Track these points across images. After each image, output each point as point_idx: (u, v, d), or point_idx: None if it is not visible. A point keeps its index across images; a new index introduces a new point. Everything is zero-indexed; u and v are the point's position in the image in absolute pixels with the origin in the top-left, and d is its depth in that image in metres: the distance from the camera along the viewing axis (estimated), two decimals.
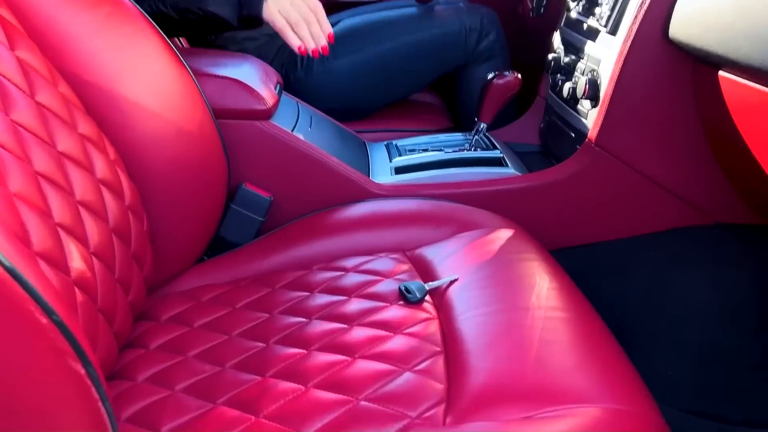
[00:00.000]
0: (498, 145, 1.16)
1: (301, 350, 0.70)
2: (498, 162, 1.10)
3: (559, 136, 1.19)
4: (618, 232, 1.05)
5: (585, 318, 0.70)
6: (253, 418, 0.60)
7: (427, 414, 0.59)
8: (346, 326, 0.73)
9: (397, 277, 0.82)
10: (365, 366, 0.65)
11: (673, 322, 1.04)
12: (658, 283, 1.04)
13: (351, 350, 0.68)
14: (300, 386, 0.64)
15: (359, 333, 0.71)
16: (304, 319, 0.76)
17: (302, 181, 0.99)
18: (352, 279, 0.83)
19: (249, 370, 0.68)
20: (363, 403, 0.60)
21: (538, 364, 0.61)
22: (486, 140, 1.18)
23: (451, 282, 0.78)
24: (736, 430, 1.02)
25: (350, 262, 0.87)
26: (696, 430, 1.03)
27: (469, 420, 0.57)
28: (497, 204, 1.01)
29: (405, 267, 0.84)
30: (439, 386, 0.62)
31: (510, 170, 1.07)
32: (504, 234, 0.89)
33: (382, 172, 1.08)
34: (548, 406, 0.56)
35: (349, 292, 0.80)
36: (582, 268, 1.05)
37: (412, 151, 1.16)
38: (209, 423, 0.61)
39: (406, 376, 0.63)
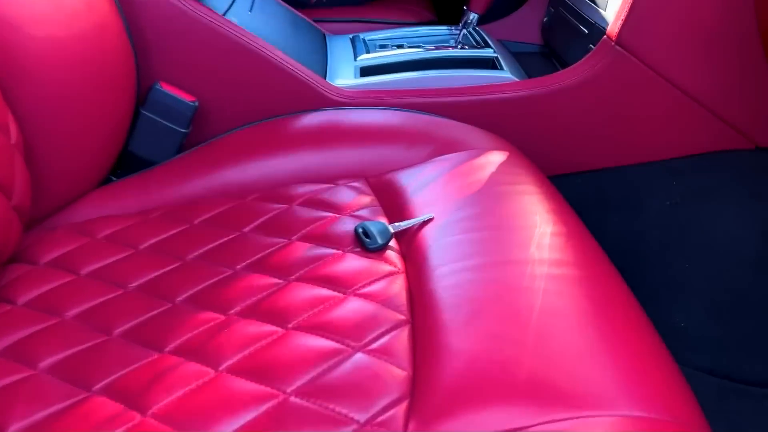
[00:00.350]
0: (491, 43, 1.00)
1: (217, 315, 0.54)
2: (490, 63, 0.97)
3: (567, 33, 1.02)
4: (634, 156, 0.90)
5: (603, 278, 0.54)
6: (138, 416, 0.45)
7: (381, 417, 0.44)
8: (281, 281, 0.57)
9: (356, 213, 0.65)
10: (301, 342, 0.49)
11: (694, 266, 0.91)
12: (680, 218, 0.90)
13: (284, 317, 0.52)
14: (209, 369, 0.48)
15: (298, 293, 0.55)
16: (226, 270, 0.59)
17: (237, 82, 0.82)
18: (297, 214, 0.66)
19: (144, 342, 0.52)
20: (293, 399, 0.45)
21: (540, 346, 0.46)
22: (476, 36, 1.00)
23: (425, 222, 0.62)
24: (754, 391, 0.92)
25: (296, 191, 0.71)
26: (707, 390, 0.92)
27: (438, 429, 0.42)
28: (488, 117, 0.85)
29: (366, 200, 0.67)
30: (401, 374, 0.47)
31: (505, 74, 0.92)
32: (495, 158, 0.72)
33: (344, 73, 0.93)
34: (551, 412, 0.42)
35: (291, 233, 0.63)
36: (585, 199, 0.91)
37: (383, 47, 1.02)
38: (75, 422, 0.45)
39: (357, 359, 0.48)
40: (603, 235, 0.68)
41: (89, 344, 0.53)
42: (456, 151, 0.74)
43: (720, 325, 0.93)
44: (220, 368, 0.48)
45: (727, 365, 0.92)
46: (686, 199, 0.90)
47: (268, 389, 0.46)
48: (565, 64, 1.00)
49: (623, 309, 0.51)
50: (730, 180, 0.88)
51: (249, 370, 0.48)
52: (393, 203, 0.67)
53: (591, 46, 0.89)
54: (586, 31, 0.94)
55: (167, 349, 0.51)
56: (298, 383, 0.46)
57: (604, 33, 0.86)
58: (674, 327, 0.94)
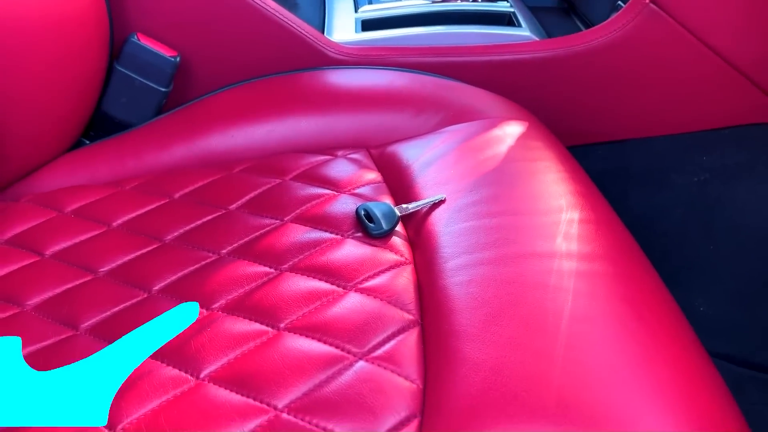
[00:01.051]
0: None
1: (199, 309, 0.48)
2: (506, 19, 0.91)
3: None
4: (663, 127, 0.85)
5: (639, 275, 0.49)
6: None
7: None
8: (271, 271, 0.51)
9: (357, 190, 0.59)
10: (295, 345, 0.44)
11: (718, 248, 0.87)
12: (707, 196, 0.85)
13: (275, 315, 0.47)
14: (188, 376, 0.43)
15: (291, 285, 0.49)
16: (209, 254, 0.54)
17: (223, 36, 0.75)
18: (291, 191, 0.60)
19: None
20: (285, 416, 0.40)
21: (569, 359, 0.41)
22: None
23: (436, 204, 0.56)
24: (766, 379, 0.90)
25: (290, 163, 0.65)
26: (723, 377, 0.89)
27: None
28: (503, 81, 0.80)
29: (369, 175, 0.61)
30: (410, 387, 0.42)
31: (523, 32, 0.86)
32: (512, 128, 0.67)
33: (343, 27, 0.88)
34: None
35: (284, 213, 0.57)
36: (605, 172, 0.86)
37: None
38: None
39: (359, 368, 0.43)
40: (623, 211, 0.63)
41: (51, 341, 0.47)
42: (468, 120, 0.68)
43: (741, 311, 0.89)
44: (201, 375, 0.43)
45: (746, 352, 0.89)
46: (716, 175, 0.85)
47: (256, 403, 0.41)
48: (588, 23, 0.93)
49: (663, 313, 0.46)
50: (765, 156, 0.82)
51: (234, 379, 0.42)
52: (398, 180, 0.61)
53: (620, 3, 0.82)
54: None
55: None
56: (291, 397, 0.41)
57: None
58: (692, 311, 0.90)
